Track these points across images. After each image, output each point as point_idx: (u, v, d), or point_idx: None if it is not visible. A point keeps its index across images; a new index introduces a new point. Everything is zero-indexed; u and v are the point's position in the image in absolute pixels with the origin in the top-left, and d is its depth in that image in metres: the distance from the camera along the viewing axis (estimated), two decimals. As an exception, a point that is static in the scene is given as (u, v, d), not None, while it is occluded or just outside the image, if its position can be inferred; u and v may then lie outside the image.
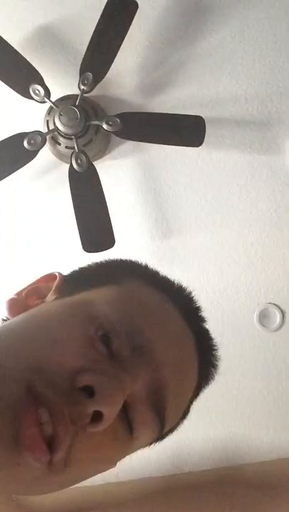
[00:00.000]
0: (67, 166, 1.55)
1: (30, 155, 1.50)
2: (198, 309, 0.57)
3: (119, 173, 1.70)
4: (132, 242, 1.75)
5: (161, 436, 0.51)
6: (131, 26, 1.43)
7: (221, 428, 1.84)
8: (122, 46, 1.45)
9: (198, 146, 1.55)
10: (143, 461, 1.81)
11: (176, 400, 0.48)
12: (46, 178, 1.70)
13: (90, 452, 0.41)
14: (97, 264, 0.57)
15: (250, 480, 1.85)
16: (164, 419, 0.47)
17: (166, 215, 1.74)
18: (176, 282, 0.57)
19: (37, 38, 1.58)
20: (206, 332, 0.57)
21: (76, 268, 0.57)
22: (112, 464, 0.48)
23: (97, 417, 0.40)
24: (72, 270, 0.57)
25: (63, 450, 0.39)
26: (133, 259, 0.58)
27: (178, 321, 0.51)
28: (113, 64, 1.47)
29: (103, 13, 1.41)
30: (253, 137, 1.67)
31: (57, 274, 0.56)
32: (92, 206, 1.57)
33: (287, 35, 1.60)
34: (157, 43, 1.59)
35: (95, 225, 1.59)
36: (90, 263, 0.57)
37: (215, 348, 0.57)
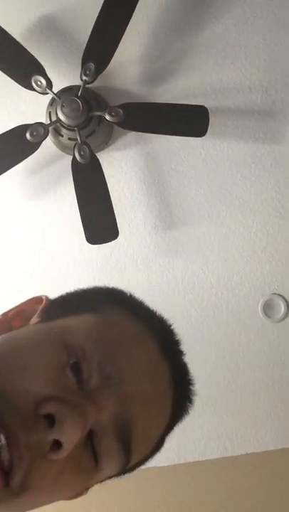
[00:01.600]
0: (70, 157, 1.55)
1: (33, 147, 1.50)
2: (177, 343, 0.56)
3: (123, 164, 1.70)
4: (135, 234, 1.75)
5: (128, 469, 0.51)
6: (133, 16, 1.42)
7: (226, 418, 1.85)
8: (124, 36, 1.43)
9: (201, 136, 1.54)
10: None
11: (145, 432, 0.48)
12: (49, 170, 1.70)
13: (51, 479, 0.42)
14: (81, 290, 0.57)
15: (254, 469, 1.86)
16: (130, 452, 0.46)
17: (169, 206, 1.73)
18: (158, 314, 0.57)
19: (38, 29, 1.57)
20: (184, 366, 0.56)
21: (63, 293, 0.58)
22: (76, 491, 0.49)
23: (58, 445, 0.40)
24: (59, 295, 0.58)
25: (19, 476, 0.39)
26: (118, 287, 0.58)
27: (154, 354, 0.50)
28: (115, 54, 1.46)
29: (105, 2, 1.40)
30: (256, 127, 1.66)
31: (43, 297, 0.57)
32: (96, 198, 1.57)
33: (291, 23, 1.58)
34: (160, 32, 1.58)
35: (98, 217, 1.59)
36: (76, 288, 0.58)
37: (191, 382, 0.57)
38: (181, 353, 0.56)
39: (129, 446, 0.46)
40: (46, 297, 0.57)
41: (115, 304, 0.54)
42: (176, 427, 0.56)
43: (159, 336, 0.52)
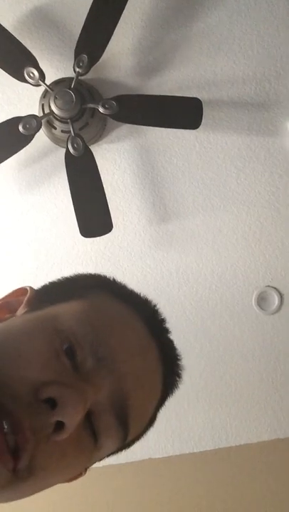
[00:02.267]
0: (64, 150, 1.54)
1: (26, 139, 1.49)
2: (163, 321, 0.58)
3: (116, 156, 1.69)
4: (129, 227, 1.74)
5: (126, 445, 0.53)
6: (126, 7, 1.41)
7: (220, 409, 1.86)
8: (117, 27, 1.42)
9: (195, 128, 1.54)
10: (143, 443, 1.83)
11: (140, 408, 0.51)
12: (42, 163, 1.69)
13: (55, 460, 0.44)
14: (65, 278, 0.59)
15: (249, 460, 1.87)
16: (128, 427, 0.49)
17: (163, 199, 1.73)
18: (142, 295, 0.59)
19: (31, 20, 1.55)
20: (171, 343, 0.58)
21: (47, 283, 0.59)
22: (78, 470, 0.51)
23: (60, 426, 0.42)
24: (42, 285, 0.59)
25: (25, 458, 0.41)
26: (101, 273, 0.60)
27: (142, 333, 0.53)
28: (109, 46, 1.45)
29: (97, -7, 1.39)
30: (250, 119, 1.66)
31: (28, 288, 0.58)
32: (89, 191, 1.56)
33: (286, 15, 1.57)
34: (153, 24, 1.57)
35: (92, 210, 1.59)
36: (59, 277, 0.59)
37: (179, 358, 0.59)
38: (166, 331, 0.58)
39: (127, 422, 0.48)
40: (30, 288, 0.58)
41: (100, 289, 0.56)
42: (167, 401, 0.58)
43: (145, 315, 0.54)
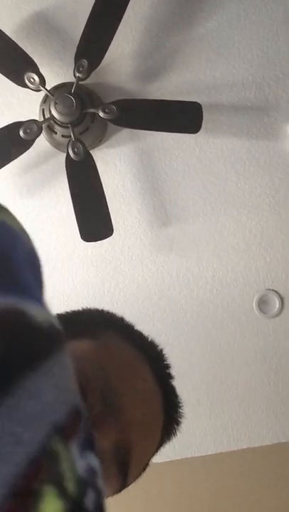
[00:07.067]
0: (64, 154, 1.54)
1: (26, 144, 1.49)
2: (167, 366, 0.58)
3: (117, 161, 1.70)
4: (130, 231, 1.74)
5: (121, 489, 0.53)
6: (126, 12, 1.42)
7: (222, 413, 1.85)
8: (117, 32, 1.43)
9: (195, 132, 1.54)
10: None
11: (140, 456, 0.50)
12: (43, 168, 1.69)
13: None
14: (75, 313, 0.58)
15: (250, 464, 1.87)
16: (127, 476, 0.48)
17: (164, 203, 1.73)
18: (149, 338, 0.58)
19: (31, 25, 1.56)
20: (173, 390, 0.58)
21: (60, 313, 0.58)
22: None
23: None
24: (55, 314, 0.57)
25: None
26: (110, 311, 0.59)
27: (149, 380, 0.52)
28: (109, 50, 1.45)
29: (97, -2, 1.39)
30: (250, 123, 1.66)
31: None
32: (90, 195, 1.56)
33: (285, 19, 1.58)
34: (153, 29, 1.58)
35: (93, 214, 1.59)
36: (68, 311, 0.58)
37: (180, 405, 0.58)
38: (170, 377, 0.57)
39: (127, 471, 0.48)
40: None
41: (111, 329, 0.55)
42: (162, 448, 0.57)
43: (152, 360, 0.54)
